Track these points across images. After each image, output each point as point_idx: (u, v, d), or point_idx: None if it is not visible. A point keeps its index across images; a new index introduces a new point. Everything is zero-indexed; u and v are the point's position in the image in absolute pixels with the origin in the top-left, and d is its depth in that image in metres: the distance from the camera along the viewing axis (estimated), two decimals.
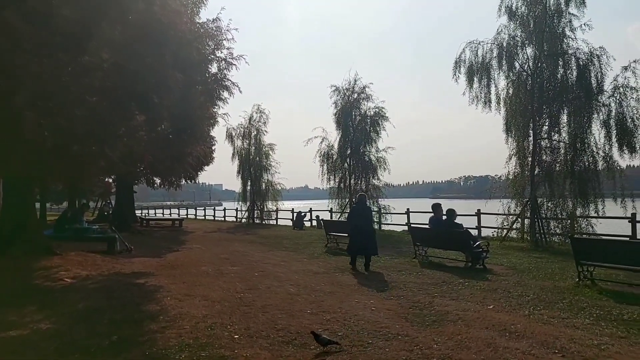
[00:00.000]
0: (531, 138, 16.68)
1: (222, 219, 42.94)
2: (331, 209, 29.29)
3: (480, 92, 17.30)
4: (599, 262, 9.09)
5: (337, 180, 26.69)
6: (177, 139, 13.32)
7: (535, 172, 16.54)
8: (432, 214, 12.86)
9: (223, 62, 13.70)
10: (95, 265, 12.47)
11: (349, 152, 26.15)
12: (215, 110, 17.67)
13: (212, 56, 12.97)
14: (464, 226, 12.81)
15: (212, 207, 48.67)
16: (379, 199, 26.07)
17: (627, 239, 14.31)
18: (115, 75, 10.37)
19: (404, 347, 5.77)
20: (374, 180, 25.93)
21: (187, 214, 51.72)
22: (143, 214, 43.88)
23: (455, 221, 12.36)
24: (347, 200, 26.47)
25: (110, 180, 34.39)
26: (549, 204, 16.54)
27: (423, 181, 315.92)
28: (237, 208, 39.46)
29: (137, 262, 13.46)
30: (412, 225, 13.63)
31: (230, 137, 35.21)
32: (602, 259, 9.00)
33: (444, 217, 12.79)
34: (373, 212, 25.00)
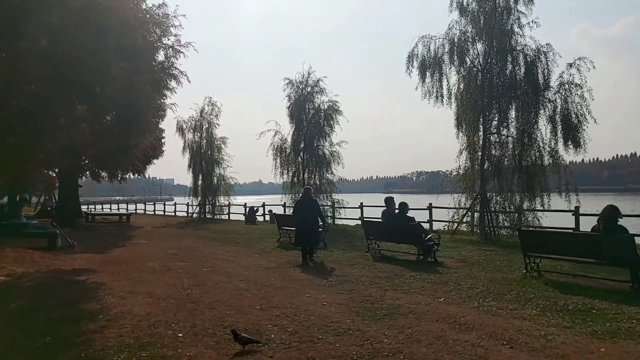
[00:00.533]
0: (481, 133, 16.94)
1: (173, 214, 41.92)
2: (284, 203, 29.02)
3: (433, 87, 17.44)
4: (545, 253, 9.27)
5: (290, 174, 26.44)
6: (122, 130, 12.71)
7: (485, 166, 16.81)
8: (385, 208, 12.85)
9: (170, 49, 13.20)
10: (34, 262, 11.81)
11: (302, 145, 25.95)
12: (163, 100, 17.04)
13: (159, 43, 12.44)
14: (416, 220, 12.86)
15: (163, 202, 47.47)
16: (333, 194, 26.00)
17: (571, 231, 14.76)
18: (55, 63, 9.79)
19: (354, 342, 5.65)
20: (327, 175, 25.83)
21: (136, 209, 50.20)
22: (90, 209, 42.37)
23: (407, 215, 12.38)
24: (300, 195, 26.25)
25: (54, 175, 32.92)
26: (498, 198, 16.87)
27: (377, 176, 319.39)
28: (188, 203, 38.62)
29: (79, 258, 12.85)
30: (365, 219, 13.60)
31: (180, 129, 34.35)
32: (548, 251, 9.18)
33: (397, 211, 12.81)
34: (326, 206, 25.02)
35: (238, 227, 24.72)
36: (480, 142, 16.96)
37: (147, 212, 47.06)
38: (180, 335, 5.99)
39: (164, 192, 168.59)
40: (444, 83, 17.40)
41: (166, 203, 45.82)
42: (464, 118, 17.33)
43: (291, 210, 26.86)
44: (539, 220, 16.03)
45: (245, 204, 33.74)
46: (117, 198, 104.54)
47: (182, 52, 13.72)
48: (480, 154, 16.94)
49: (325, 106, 25.71)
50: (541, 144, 15.87)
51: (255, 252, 14.16)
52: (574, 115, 15.30)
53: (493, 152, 16.88)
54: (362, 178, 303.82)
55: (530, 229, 15.45)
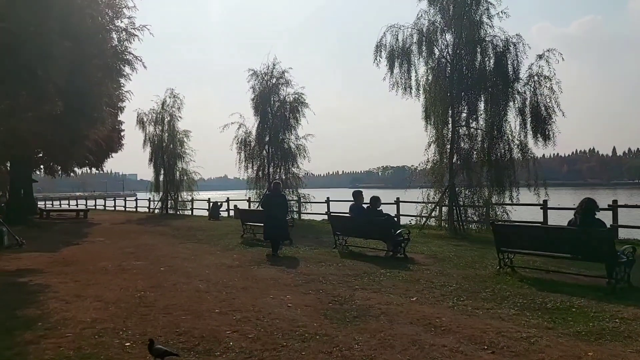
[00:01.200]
0: (450, 125, 16.65)
1: (134, 209, 40.64)
2: (249, 198, 28.32)
3: (401, 78, 17.06)
4: (519, 248, 8.94)
5: (255, 168, 25.72)
6: (71, 119, 11.81)
7: (454, 160, 16.54)
8: (353, 202, 12.36)
9: (123, 32, 12.35)
10: None
11: (267, 139, 25.26)
12: (121, 90, 16.05)
13: (111, 26, 11.60)
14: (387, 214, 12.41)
15: (123, 198, 45.97)
16: (299, 188, 25.43)
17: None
18: None
19: (322, 349, 5.12)
20: (293, 169, 25.24)
21: (95, 205, 48.54)
22: (46, 205, 40.63)
23: (378, 209, 11.92)
24: (265, 189, 25.57)
25: (4, 169, 31.28)
26: (467, 192, 16.64)
27: (343, 171, 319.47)
28: (149, 198, 37.47)
29: (25, 258, 11.95)
30: (332, 214, 13.10)
31: (141, 122, 33.11)
32: (523, 246, 8.86)
33: (366, 205, 12.34)
34: (292, 201, 24.41)
35: (201, 223, 23.90)
36: (449, 135, 16.67)
37: (107, 208, 45.49)
38: (128, 344, 5.35)
39: (127, 187, 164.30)
40: (413, 74, 17.09)
41: (127, 199, 44.33)
42: (432, 110, 17.01)
43: (256, 205, 26.27)
44: (507, 214, 15.85)
45: (209, 199, 32.90)
46: (78, 194, 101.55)
47: (136, 36, 12.85)
48: (449, 147, 16.66)
49: (291, 98, 25.10)
50: (510, 137, 15.71)
51: (218, 249, 13.49)
52: (543, 108, 15.17)
53: (462, 145, 16.63)
54: (329, 173, 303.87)
55: (504, 223, 15.34)
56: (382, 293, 7.74)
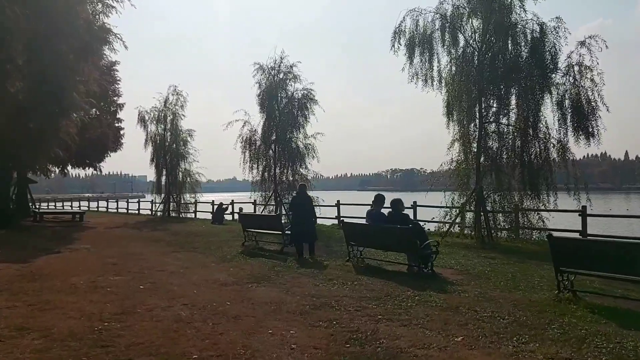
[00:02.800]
0: (477, 122, 14.82)
1: (136, 212, 39.08)
2: (254, 201, 26.62)
3: (421, 68, 15.27)
4: (584, 269, 7.11)
5: (260, 169, 23.93)
6: (37, 106, 10.13)
7: (481, 160, 14.71)
8: (371, 207, 10.54)
9: (99, 4, 10.62)
10: None
11: (274, 137, 23.50)
12: (115, 86, 14.45)
13: None
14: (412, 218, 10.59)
15: (126, 200, 44.37)
16: (307, 191, 23.61)
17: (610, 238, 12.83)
18: None
19: None
20: (301, 169, 23.46)
21: (98, 207, 47.12)
22: (40, 207, 39.10)
23: (403, 213, 10.10)
24: (271, 192, 23.86)
25: None
26: (496, 196, 14.79)
27: (351, 174, 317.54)
28: (152, 200, 35.88)
29: None
30: (344, 220, 11.33)
31: (142, 120, 31.44)
32: (589, 265, 7.01)
33: (387, 211, 10.54)
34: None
35: (202, 227, 22.19)
36: (476, 132, 14.84)
37: (109, 210, 44.00)
38: None
39: (137, 189, 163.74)
40: (435, 64, 15.29)
41: (129, 201, 42.78)
42: (456, 105, 15.20)
43: (261, 209, 24.58)
44: (544, 221, 13.99)
45: (213, 201, 31.22)
46: (87, 195, 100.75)
47: (113, 7, 11.05)
48: (475, 145, 14.83)
49: (300, 94, 23.34)
50: (546, 134, 13.84)
51: (213, 260, 11.74)
52: (585, 101, 13.29)
53: (490, 143, 14.80)
54: (337, 175, 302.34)
55: (534, 232, 13.55)
56: (413, 327, 5.96)
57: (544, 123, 13.86)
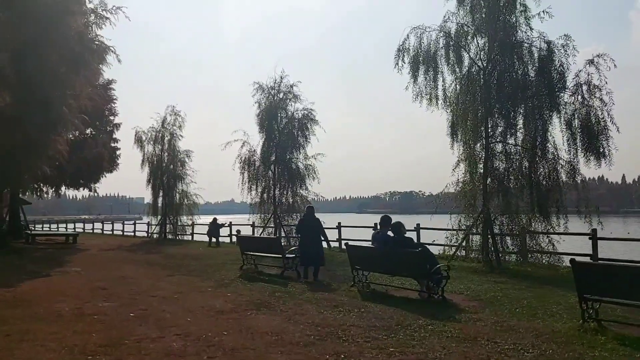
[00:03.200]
0: (483, 142, 14.38)
1: (132, 234, 38.37)
2: (253, 223, 26.01)
3: (426, 87, 14.89)
4: (612, 296, 6.56)
5: (259, 190, 23.40)
6: (23, 117, 9.62)
7: (487, 181, 14.22)
8: (377, 230, 10.00)
9: (91, 15, 10.22)
10: None
11: (273, 158, 23.03)
12: (112, 104, 13.99)
13: (76, 6, 9.48)
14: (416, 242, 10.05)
15: (122, 222, 43.75)
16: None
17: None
18: None
19: None
20: (301, 191, 22.93)
21: (93, 229, 46.37)
22: (33, 229, 38.35)
23: (406, 236, 9.56)
24: (270, 214, 23.30)
25: None
26: (503, 219, 14.26)
27: (350, 196, 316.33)
28: (148, 222, 35.22)
29: None
30: (349, 243, 10.77)
31: (139, 141, 31.00)
32: (617, 293, 6.46)
33: (390, 234, 10.01)
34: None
35: (198, 250, 21.55)
36: (482, 152, 14.39)
37: (105, 232, 43.24)
38: None
39: (134, 211, 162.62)
40: (440, 82, 14.90)
41: (125, 222, 42.12)
42: (461, 125, 14.79)
43: (260, 231, 23.96)
44: (554, 244, 13.44)
45: (215, 219, 30.61)
46: (84, 217, 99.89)
47: (107, 19, 10.61)
48: (482, 166, 14.36)
49: (300, 114, 22.97)
50: (556, 155, 13.38)
51: (210, 284, 11.13)
52: (594, 121, 12.88)
53: (497, 164, 14.32)
54: (336, 198, 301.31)
55: (542, 256, 13.04)
56: None
57: (552, 143, 13.43)
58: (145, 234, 35.51)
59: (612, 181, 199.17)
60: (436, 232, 16.17)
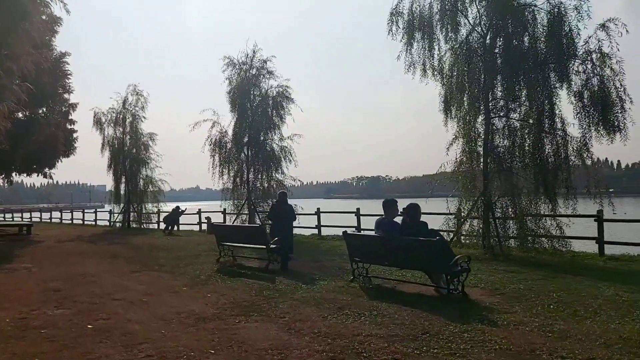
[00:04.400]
0: (482, 116, 13.14)
1: (93, 223, 36.13)
2: (224, 210, 24.37)
3: (420, 55, 13.54)
4: None
5: (231, 174, 21.73)
6: None
7: (488, 160, 13.00)
8: (382, 216, 8.57)
9: None
10: None
11: (246, 139, 21.37)
12: (65, 81, 11.98)
13: None
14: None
15: (82, 210, 41.23)
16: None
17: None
18: None
19: None
20: (277, 175, 21.38)
21: (51, 218, 43.70)
22: None
23: (422, 222, 8.14)
24: (244, 200, 21.69)
25: None
26: (506, 201, 13.06)
27: (317, 182, 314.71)
28: (110, 210, 33.08)
29: None
30: (348, 231, 9.27)
31: (98, 123, 28.75)
32: None
33: (400, 218, 8.61)
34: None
35: (166, 240, 19.81)
36: (482, 128, 13.16)
37: (63, 221, 40.73)
38: None
39: (95, 198, 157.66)
40: (435, 51, 13.57)
41: (85, 211, 39.74)
42: (457, 98, 13.52)
43: (233, 219, 22.36)
44: (561, 228, 12.33)
45: (178, 207, 28.83)
46: (43, 205, 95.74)
47: None
48: (481, 145, 13.13)
49: (274, 92, 21.34)
50: (564, 130, 12.23)
51: (185, 282, 9.56)
52: (607, 91, 11.74)
53: (498, 141, 13.10)
54: (303, 183, 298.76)
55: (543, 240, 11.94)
56: None
57: (559, 117, 12.26)
58: (107, 223, 33.43)
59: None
60: (433, 218, 14.86)
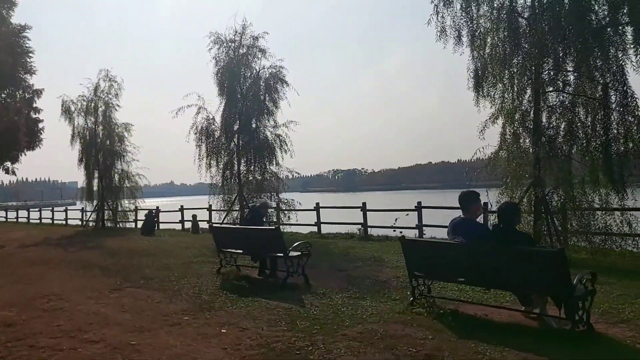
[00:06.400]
0: (530, 92, 11.03)
1: (64, 222, 33.15)
2: (210, 206, 21.95)
3: (454, 18, 11.43)
4: None
5: (220, 166, 19.22)
6: None
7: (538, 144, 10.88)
8: (460, 218, 6.25)
9: None
10: None
11: (236, 127, 18.93)
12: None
13: None
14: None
15: (51, 209, 38.08)
16: (280, 192, 19.22)
17: None
18: None
19: None
20: (271, 167, 18.99)
21: (17, 217, 40.40)
22: None
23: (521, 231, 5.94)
24: (235, 195, 19.27)
25: None
26: (559, 192, 10.97)
27: (293, 175, 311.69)
28: (82, 208, 30.23)
29: None
30: (405, 236, 6.93)
31: (67, 112, 25.81)
32: None
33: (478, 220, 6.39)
34: (271, 209, 18.07)
35: (148, 242, 17.29)
36: (530, 106, 11.04)
37: (30, 221, 37.52)
38: None
39: (67, 195, 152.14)
40: (472, 12, 11.44)
41: (55, 209, 36.66)
42: (498, 69, 11.38)
43: (222, 217, 19.99)
44: (630, 225, 10.30)
45: (157, 208, 26.30)
46: (8, 204, 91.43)
47: None
48: (531, 125, 11.02)
49: (267, 73, 18.91)
50: (637, 105, 10.15)
51: (184, 306, 7.17)
52: None
53: (552, 120, 11.01)
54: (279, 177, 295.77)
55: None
56: None
57: (630, 91, 10.16)
58: (80, 223, 30.59)
59: None
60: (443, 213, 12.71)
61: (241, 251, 9.63)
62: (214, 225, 12.90)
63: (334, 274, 9.60)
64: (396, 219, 16.76)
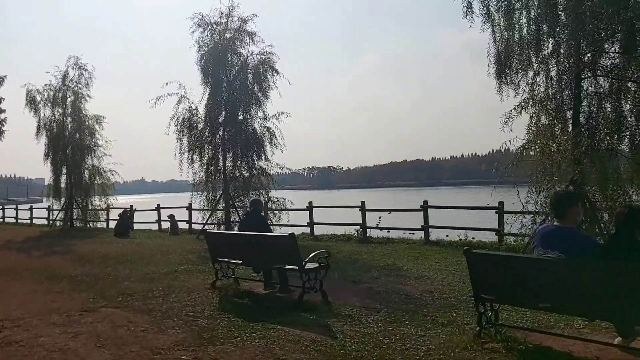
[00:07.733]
0: (567, 76, 9.70)
1: (28, 221, 30.86)
2: (190, 204, 20.22)
3: None
4: None
5: (204, 161, 17.45)
6: None
7: (580, 135, 9.56)
8: (546, 222, 4.76)
9: None
10: None
11: (222, 118, 17.22)
12: None
13: None
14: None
15: (14, 207, 35.58)
16: (269, 191, 17.60)
17: None
18: None
19: None
20: (259, 162, 17.35)
21: None
22: None
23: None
24: (219, 193, 17.57)
25: None
26: (600, 192, 9.67)
27: (284, 172, 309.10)
28: (49, 206, 28.10)
29: None
30: (471, 250, 5.47)
31: (32, 102, 23.75)
32: None
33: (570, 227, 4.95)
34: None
35: (123, 245, 15.50)
36: (567, 92, 9.73)
37: None
38: None
39: (33, 193, 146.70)
40: None
41: (18, 208, 34.25)
42: (523, 53, 10.07)
43: (206, 216, 18.31)
44: None
45: (131, 206, 24.44)
46: None
47: None
48: (570, 114, 9.71)
49: (256, 60, 17.25)
50: None
51: (178, 337, 5.54)
52: None
53: (593, 109, 9.71)
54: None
55: None
56: None
57: None
58: (46, 222, 28.42)
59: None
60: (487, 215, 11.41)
61: (241, 262, 8.00)
62: (207, 230, 11.18)
63: (351, 287, 8.12)
64: (380, 218, 16.10)
